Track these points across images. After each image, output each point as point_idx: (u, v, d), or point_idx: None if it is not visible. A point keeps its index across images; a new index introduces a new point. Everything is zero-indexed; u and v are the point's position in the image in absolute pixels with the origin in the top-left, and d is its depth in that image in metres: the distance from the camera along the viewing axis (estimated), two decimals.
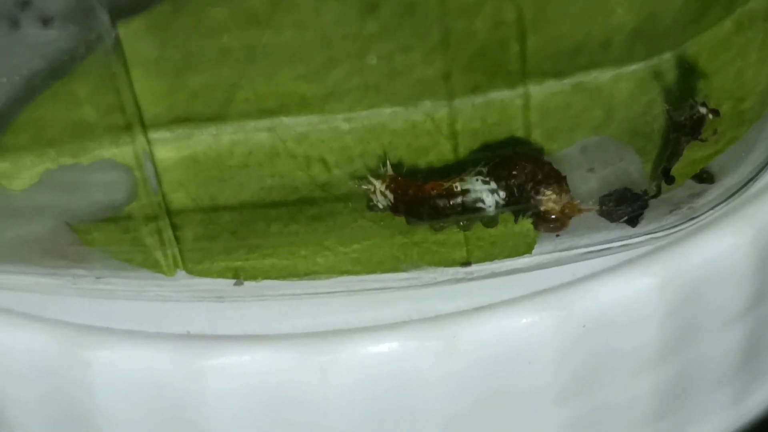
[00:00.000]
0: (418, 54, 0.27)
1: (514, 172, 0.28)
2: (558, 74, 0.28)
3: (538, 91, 0.28)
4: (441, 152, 0.29)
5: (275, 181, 0.29)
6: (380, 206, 0.29)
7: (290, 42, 0.27)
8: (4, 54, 0.27)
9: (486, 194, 0.28)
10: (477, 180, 0.28)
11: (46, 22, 0.27)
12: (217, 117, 0.28)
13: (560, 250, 0.29)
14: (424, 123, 0.28)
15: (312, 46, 0.27)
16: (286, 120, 0.28)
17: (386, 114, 0.28)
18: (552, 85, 0.28)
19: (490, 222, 0.29)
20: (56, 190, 0.29)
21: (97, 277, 0.30)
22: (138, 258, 0.30)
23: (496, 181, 0.28)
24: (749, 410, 0.35)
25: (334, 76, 0.27)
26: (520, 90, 0.28)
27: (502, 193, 0.28)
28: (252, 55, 0.27)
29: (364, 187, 0.29)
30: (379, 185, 0.29)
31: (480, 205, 0.28)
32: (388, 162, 0.29)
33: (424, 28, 0.27)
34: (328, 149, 0.29)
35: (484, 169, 0.28)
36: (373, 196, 0.29)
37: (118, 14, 0.26)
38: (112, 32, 0.26)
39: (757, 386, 0.34)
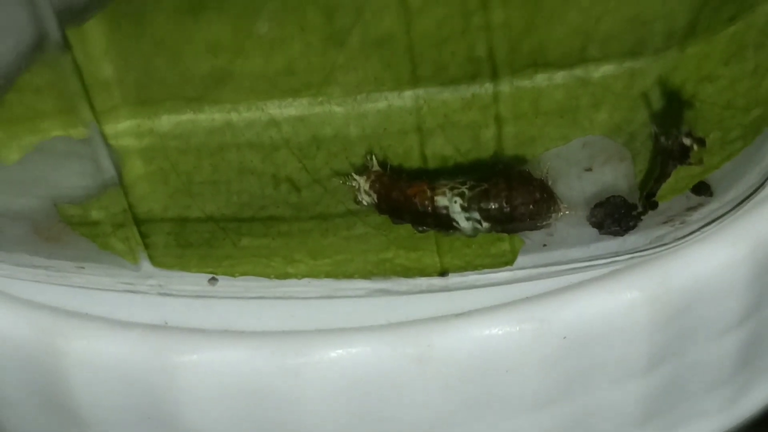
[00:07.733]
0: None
1: (495, 205, 0.27)
2: (555, 66, 0.27)
3: (540, 81, 0.27)
4: (424, 147, 0.28)
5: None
6: (364, 203, 0.29)
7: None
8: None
9: (462, 219, 0.28)
10: (455, 203, 0.28)
11: None
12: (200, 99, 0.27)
13: (542, 265, 0.29)
14: (408, 113, 0.28)
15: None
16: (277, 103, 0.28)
17: (377, 99, 0.28)
18: (548, 78, 0.27)
19: (470, 235, 0.28)
20: (47, 163, 0.29)
21: (78, 266, 0.30)
22: (116, 246, 0.30)
23: (478, 211, 0.28)
24: (746, 409, 0.34)
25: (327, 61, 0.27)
26: (510, 80, 0.28)
27: (485, 224, 0.28)
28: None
29: (348, 183, 0.29)
30: (362, 182, 0.29)
31: (455, 225, 0.28)
32: (374, 157, 0.29)
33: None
34: (318, 136, 0.28)
35: (466, 191, 0.27)
36: (357, 194, 0.29)
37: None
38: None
39: (755, 385, 0.34)
